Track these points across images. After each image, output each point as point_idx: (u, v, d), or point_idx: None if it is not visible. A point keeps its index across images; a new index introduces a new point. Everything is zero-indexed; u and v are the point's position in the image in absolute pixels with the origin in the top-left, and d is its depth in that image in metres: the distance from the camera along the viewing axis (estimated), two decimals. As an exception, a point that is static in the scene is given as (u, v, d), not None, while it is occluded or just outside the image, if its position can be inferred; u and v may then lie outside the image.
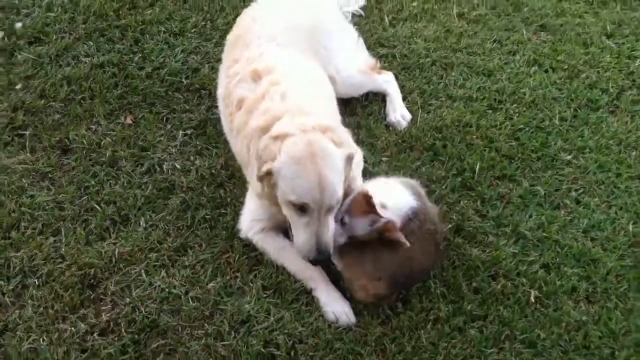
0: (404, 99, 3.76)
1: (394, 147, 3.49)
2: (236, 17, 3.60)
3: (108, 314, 2.72)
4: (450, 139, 3.50)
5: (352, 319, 2.76)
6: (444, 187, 3.27)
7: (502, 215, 3.17)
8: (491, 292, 2.86)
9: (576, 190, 3.31)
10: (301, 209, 2.64)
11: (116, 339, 2.65)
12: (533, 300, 2.83)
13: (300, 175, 2.59)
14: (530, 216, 3.17)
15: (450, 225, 3.08)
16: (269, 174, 2.62)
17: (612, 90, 3.84)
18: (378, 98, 3.79)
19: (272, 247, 2.96)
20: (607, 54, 4.10)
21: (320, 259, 2.71)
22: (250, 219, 3.00)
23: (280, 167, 2.60)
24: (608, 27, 4.30)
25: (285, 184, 2.62)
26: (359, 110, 3.71)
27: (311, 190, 2.59)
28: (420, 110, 3.70)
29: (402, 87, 3.82)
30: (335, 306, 2.78)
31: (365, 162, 3.27)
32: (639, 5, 4.51)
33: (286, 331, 2.69)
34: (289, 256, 2.92)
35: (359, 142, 3.33)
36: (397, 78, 3.87)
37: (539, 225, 3.13)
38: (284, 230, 2.96)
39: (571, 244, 3.05)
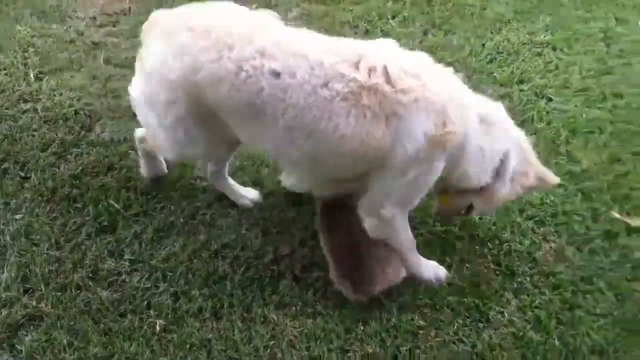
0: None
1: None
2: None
3: None
4: (86, 185, 3.55)
5: None
6: (80, 234, 3.30)
7: (138, 252, 3.25)
8: (119, 331, 2.90)
9: (212, 214, 3.48)
10: None
11: None
12: (159, 329, 2.92)
13: None
14: (165, 247, 3.28)
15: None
16: None
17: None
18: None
19: None
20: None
21: None
22: None
23: None
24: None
25: None
26: None
27: None
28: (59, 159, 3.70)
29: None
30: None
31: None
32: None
33: None
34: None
35: None
36: (37, 130, 3.84)
37: (171, 255, 3.24)
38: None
39: (201, 267, 3.20)
